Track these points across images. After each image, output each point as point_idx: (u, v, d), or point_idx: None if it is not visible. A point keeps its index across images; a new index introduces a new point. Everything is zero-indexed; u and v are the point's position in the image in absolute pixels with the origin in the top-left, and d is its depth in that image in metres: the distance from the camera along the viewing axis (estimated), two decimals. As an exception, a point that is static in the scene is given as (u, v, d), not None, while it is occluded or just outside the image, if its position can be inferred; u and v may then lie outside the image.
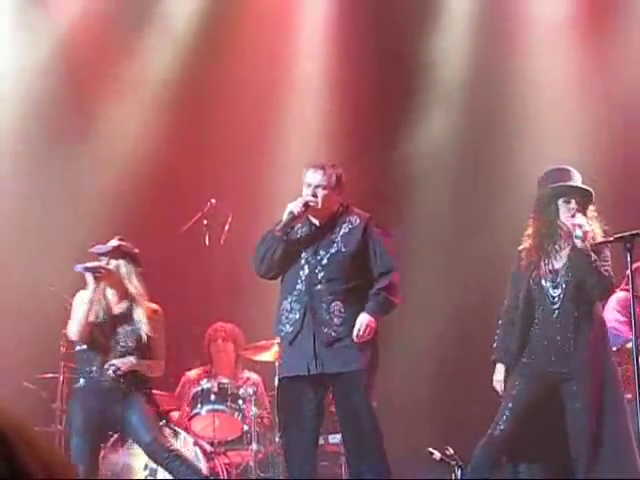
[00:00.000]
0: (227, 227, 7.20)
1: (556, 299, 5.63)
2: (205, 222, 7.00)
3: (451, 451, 5.75)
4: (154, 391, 7.22)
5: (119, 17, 9.01)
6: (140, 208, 8.69)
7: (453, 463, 5.69)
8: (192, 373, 7.82)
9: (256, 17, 9.16)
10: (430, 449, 5.86)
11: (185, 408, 7.45)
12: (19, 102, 8.65)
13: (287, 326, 5.68)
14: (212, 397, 7.27)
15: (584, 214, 5.63)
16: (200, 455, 6.89)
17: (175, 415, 7.48)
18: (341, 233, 5.68)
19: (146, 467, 6.98)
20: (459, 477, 5.58)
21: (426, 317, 8.75)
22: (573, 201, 5.63)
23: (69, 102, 8.76)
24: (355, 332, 5.54)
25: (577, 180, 5.76)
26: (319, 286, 5.62)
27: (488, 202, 8.96)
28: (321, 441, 7.64)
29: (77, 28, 8.82)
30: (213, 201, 7.01)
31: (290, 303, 5.68)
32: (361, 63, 9.18)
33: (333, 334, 5.55)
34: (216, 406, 7.23)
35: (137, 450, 6.94)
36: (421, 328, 8.75)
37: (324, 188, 5.68)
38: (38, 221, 8.38)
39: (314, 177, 5.71)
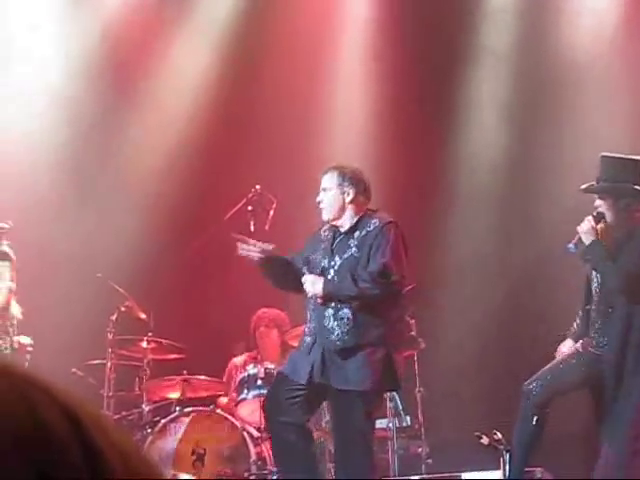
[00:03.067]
0: (272, 213, 7.14)
1: (596, 289, 5.84)
2: (250, 208, 6.92)
3: (499, 435, 5.72)
4: (202, 377, 7.39)
5: (160, 10, 9.06)
6: (185, 195, 8.74)
7: (501, 447, 5.66)
8: (239, 359, 7.82)
9: (298, 15, 9.19)
10: (478, 433, 5.83)
11: (232, 394, 7.48)
12: (65, 89, 8.68)
13: (308, 338, 5.57)
14: (258, 382, 7.27)
15: (614, 211, 5.70)
16: (248, 440, 6.91)
17: (223, 401, 7.51)
18: (358, 237, 5.49)
19: (193, 452, 7.02)
20: (507, 461, 5.56)
21: (474, 307, 8.74)
22: (597, 201, 5.79)
23: (110, 88, 8.82)
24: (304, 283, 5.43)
25: (610, 172, 5.79)
26: None
27: (536, 203, 8.91)
28: None
29: (119, 17, 8.86)
30: (258, 187, 6.95)
31: (309, 312, 5.60)
32: (403, 60, 9.16)
33: (338, 342, 5.37)
34: (262, 391, 7.13)
35: (185, 436, 6.99)
36: (469, 317, 8.74)
37: (328, 190, 5.59)
38: (84, 207, 8.41)
39: (322, 180, 5.66)
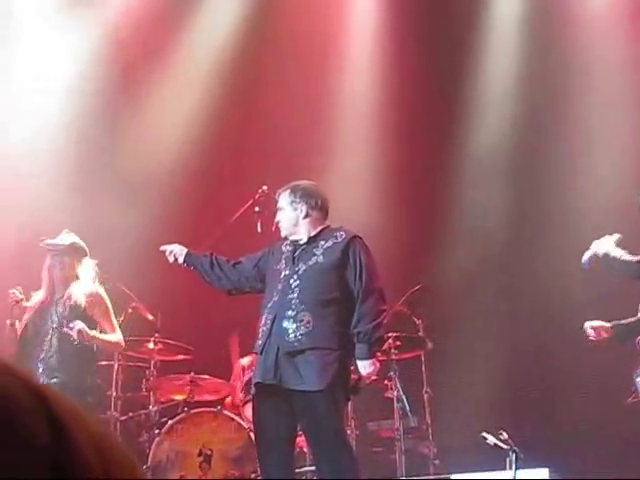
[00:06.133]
0: (279, 214, 7.13)
1: None
2: (257, 209, 6.81)
3: (505, 436, 5.69)
4: (209, 378, 7.43)
5: (166, 9, 9.11)
6: (192, 196, 8.75)
7: (507, 448, 5.64)
8: (245, 360, 7.77)
9: (306, 21, 9.21)
10: (484, 434, 5.81)
11: (239, 394, 7.43)
12: (68, 91, 8.72)
13: (260, 340, 5.57)
14: (265, 382, 7.25)
15: None
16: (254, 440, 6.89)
17: (230, 401, 7.52)
18: (324, 247, 5.61)
19: (200, 453, 7.02)
20: (513, 461, 5.54)
21: (482, 307, 8.73)
22: None
23: (116, 89, 8.86)
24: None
25: None
26: (291, 294, 5.50)
27: (549, 208, 8.88)
28: (375, 427, 7.82)
29: (124, 19, 8.90)
30: (265, 188, 6.84)
31: (265, 316, 5.58)
32: (409, 72, 9.17)
33: (296, 343, 5.38)
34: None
35: (192, 437, 7.01)
36: (476, 318, 8.72)
37: (282, 209, 5.77)
38: (90, 208, 8.36)
39: (278, 201, 5.85)
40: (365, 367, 5.49)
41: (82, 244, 6.58)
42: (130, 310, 7.39)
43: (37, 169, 8.31)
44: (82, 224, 7.92)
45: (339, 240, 5.60)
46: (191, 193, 8.77)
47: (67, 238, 6.56)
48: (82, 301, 6.40)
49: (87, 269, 6.54)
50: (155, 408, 7.26)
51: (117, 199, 8.56)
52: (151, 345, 7.40)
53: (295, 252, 5.65)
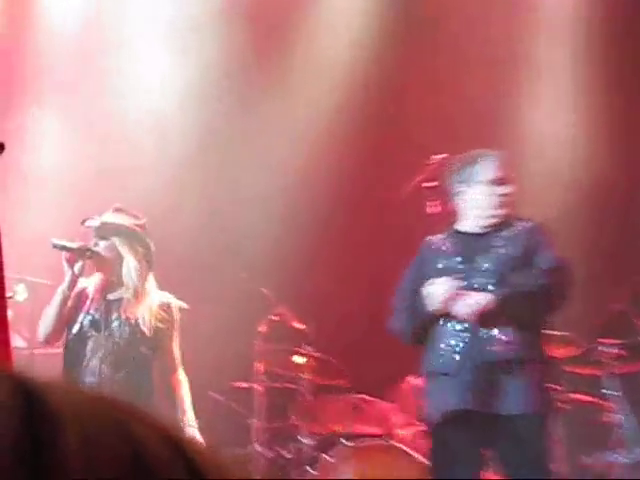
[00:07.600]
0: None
1: None
2: (426, 185, 6.04)
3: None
4: (374, 400, 6.90)
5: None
6: (343, 175, 8.28)
7: None
8: (419, 379, 6.76)
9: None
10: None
11: (412, 422, 6.67)
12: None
13: (455, 356, 4.97)
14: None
15: None
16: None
17: (401, 431, 6.71)
18: (505, 237, 5.18)
19: None
20: None
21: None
22: None
23: (256, 66, 8.50)
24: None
25: None
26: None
27: None
28: (589, 460, 7.01)
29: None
30: (438, 157, 6.02)
31: (453, 328, 5.02)
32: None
33: (499, 357, 4.90)
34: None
35: (355, 475, 6.34)
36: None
37: (457, 193, 5.36)
38: (223, 189, 8.13)
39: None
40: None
41: (131, 225, 5.39)
42: (274, 318, 6.89)
43: (165, 162, 8.08)
44: (225, 223, 8.03)
45: (521, 228, 5.19)
46: (344, 172, 8.23)
47: (114, 217, 5.40)
48: (146, 317, 5.32)
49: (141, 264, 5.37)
50: (307, 440, 6.65)
51: (256, 177, 8.16)
52: (301, 360, 6.84)
53: (463, 245, 5.21)
